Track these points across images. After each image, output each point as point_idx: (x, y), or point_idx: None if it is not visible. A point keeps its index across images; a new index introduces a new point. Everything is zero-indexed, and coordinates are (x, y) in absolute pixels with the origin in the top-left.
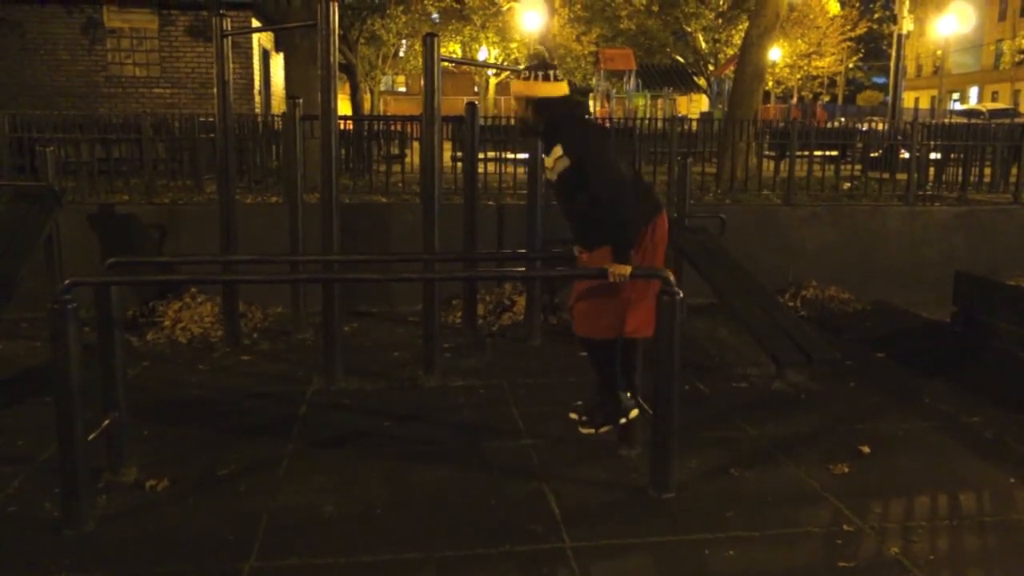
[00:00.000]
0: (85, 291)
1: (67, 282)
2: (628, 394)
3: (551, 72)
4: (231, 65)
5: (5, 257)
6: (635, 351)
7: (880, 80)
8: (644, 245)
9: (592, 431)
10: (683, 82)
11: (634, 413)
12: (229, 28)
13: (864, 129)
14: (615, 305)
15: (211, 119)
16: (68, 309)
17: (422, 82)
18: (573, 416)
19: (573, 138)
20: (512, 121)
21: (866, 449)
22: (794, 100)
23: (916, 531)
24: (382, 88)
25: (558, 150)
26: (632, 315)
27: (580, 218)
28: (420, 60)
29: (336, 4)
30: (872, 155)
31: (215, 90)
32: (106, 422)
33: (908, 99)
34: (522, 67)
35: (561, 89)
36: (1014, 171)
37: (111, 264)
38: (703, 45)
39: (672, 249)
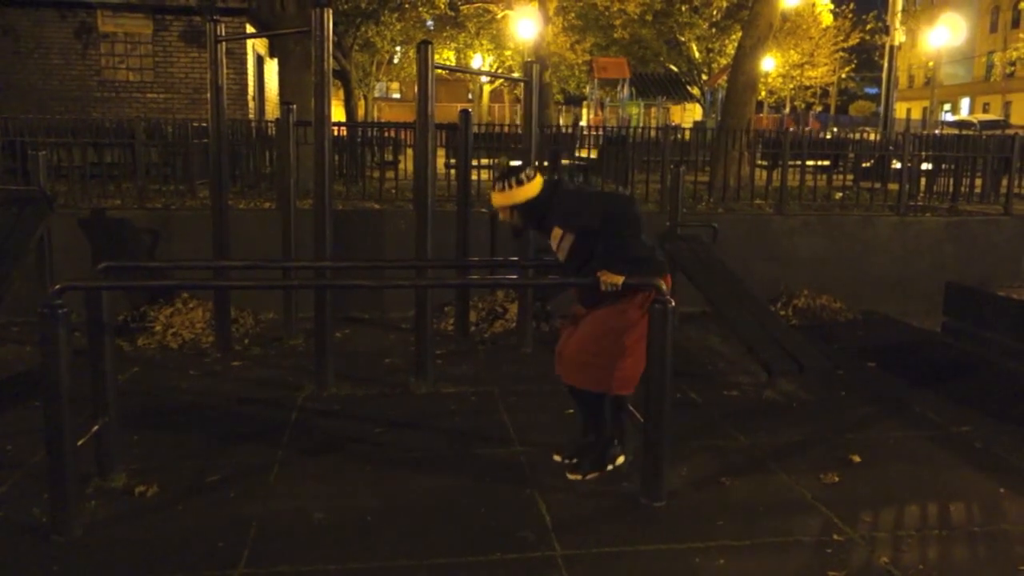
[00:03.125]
0: (76, 295)
1: (57, 286)
2: (616, 441)
3: (522, 175)
4: (225, 70)
5: None
6: (623, 401)
7: (872, 91)
8: (644, 301)
9: (579, 477)
10: (676, 91)
11: (620, 460)
12: (223, 33)
13: (855, 139)
14: (608, 355)
15: (204, 124)
16: (59, 314)
17: (416, 89)
18: (557, 458)
19: (565, 216)
20: (507, 127)
21: (856, 458)
22: (787, 110)
23: (906, 540)
24: (376, 94)
25: (557, 231)
26: (620, 370)
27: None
28: (414, 67)
29: (330, 11)
30: (864, 165)
31: (209, 95)
32: (95, 427)
33: (900, 110)
34: (516, 74)
35: (535, 187)
36: (1004, 182)
37: (102, 269)
38: (696, 54)
39: (665, 257)
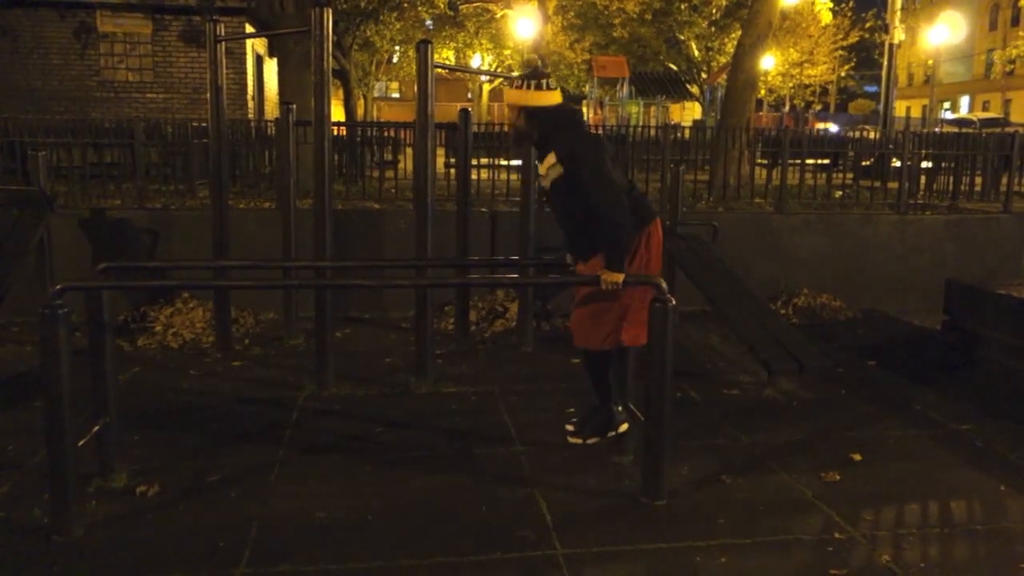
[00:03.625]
0: (76, 296)
1: (58, 287)
2: (620, 408)
3: (544, 80)
4: (224, 70)
5: None
6: (627, 359)
7: (872, 89)
8: (639, 253)
9: (580, 441)
10: (676, 90)
11: (624, 427)
12: (223, 33)
13: (855, 136)
14: (612, 314)
15: (204, 124)
16: (59, 314)
17: (416, 88)
18: (569, 427)
19: (566, 146)
20: (506, 128)
21: (857, 457)
22: (786, 108)
23: (907, 539)
24: (376, 94)
25: (551, 158)
26: (627, 324)
27: (573, 227)
28: (414, 66)
29: (330, 10)
30: (864, 164)
31: (208, 95)
32: (96, 427)
33: (899, 108)
34: (516, 74)
35: (555, 98)
36: (1004, 180)
37: (103, 269)
38: (696, 53)
39: (665, 256)
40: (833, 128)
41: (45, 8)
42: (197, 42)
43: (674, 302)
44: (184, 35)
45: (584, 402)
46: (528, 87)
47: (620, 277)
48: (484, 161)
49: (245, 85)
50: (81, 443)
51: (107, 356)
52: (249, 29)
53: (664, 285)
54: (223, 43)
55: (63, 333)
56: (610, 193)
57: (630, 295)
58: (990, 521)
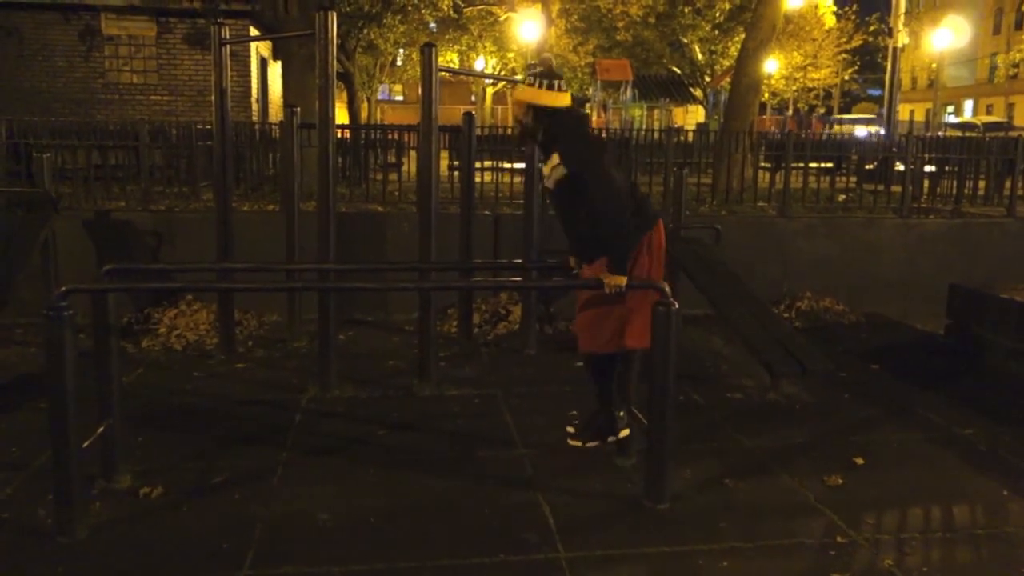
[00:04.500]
0: (81, 297)
1: (63, 289)
2: (622, 413)
3: (556, 82)
4: (229, 73)
5: (0, 263)
6: (631, 364)
7: (875, 92)
8: (641, 257)
9: (579, 444)
10: (679, 93)
11: (624, 433)
12: (227, 36)
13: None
14: (615, 316)
15: (208, 127)
16: (64, 315)
17: (419, 91)
18: (570, 430)
19: (571, 148)
20: (511, 124)
21: (860, 460)
22: (790, 112)
23: (910, 543)
24: (379, 96)
25: (555, 159)
26: (630, 326)
27: (576, 229)
28: (418, 69)
29: (335, 14)
30: (867, 167)
31: (212, 98)
32: (100, 429)
33: (903, 112)
34: (519, 77)
35: (564, 99)
36: (1008, 184)
37: (107, 271)
38: (699, 56)
39: (667, 260)
40: (861, 132)
41: (50, 10)
42: (201, 44)
43: (677, 306)
44: (188, 38)
45: (587, 405)
46: (540, 85)
47: (623, 280)
48: (487, 164)
49: (249, 88)
50: (85, 444)
51: (112, 358)
52: (253, 32)
53: (667, 289)
54: (228, 46)
55: (68, 335)
56: (612, 196)
57: (632, 298)
58: (992, 525)
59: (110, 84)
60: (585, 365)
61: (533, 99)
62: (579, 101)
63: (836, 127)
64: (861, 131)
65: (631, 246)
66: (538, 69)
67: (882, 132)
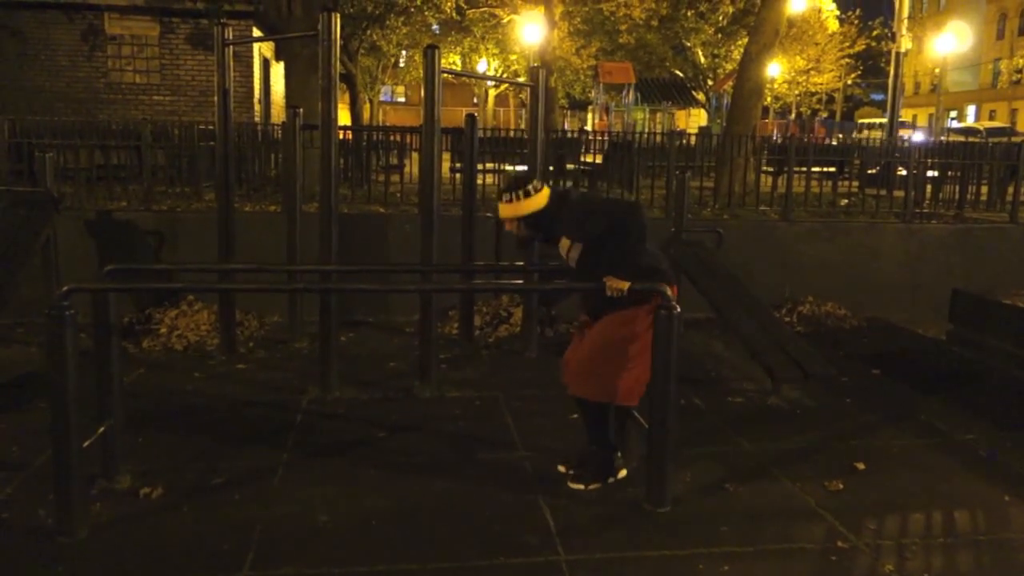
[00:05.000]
0: (81, 297)
1: (65, 288)
2: (619, 454)
3: (529, 187)
4: (232, 74)
5: (1, 262)
6: (630, 412)
7: (878, 97)
8: (651, 314)
9: (581, 487)
10: (682, 96)
11: (623, 473)
12: (230, 37)
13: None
14: (614, 366)
15: (210, 127)
16: (66, 315)
17: (422, 93)
18: (562, 469)
19: (571, 226)
20: (514, 134)
21: (861, 465)
22: (792, 116)
23: (911, 548)
24: (381, 98)
25: (565, 242)
26: (626, 378)
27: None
28: (420, 71)
29: (338, 15)
30: (869, 172)
31: (215, 98)
32: (101, 429)
33: (906, 116)
34: (521, 79)
35: (543, 197)
36: (1010, 190)
37: (109, 271)
38: (702, 60)
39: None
40: (918, 136)
41: (53, 10)
42: (204, 45)
43: (679, 309)
44: (191, 38)
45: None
46: (517, 198)
47: (626, 284)
48: (489, 166)
49: (252, 88)
50: (86, 444)
51: (112, 358)
52: (256, 32)
53: (669, 292)
54: (231, 47)
55: (70, 334)
56: (625, 218)
57: (632, 344)
58: (994, 531)
59: (113, 84)
60: (579, 408)
61: (517, 213)
62: (580, 104)
63: (864, 132)
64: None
65: (646, 274)
66: (508, 183)
67: (914, 137)
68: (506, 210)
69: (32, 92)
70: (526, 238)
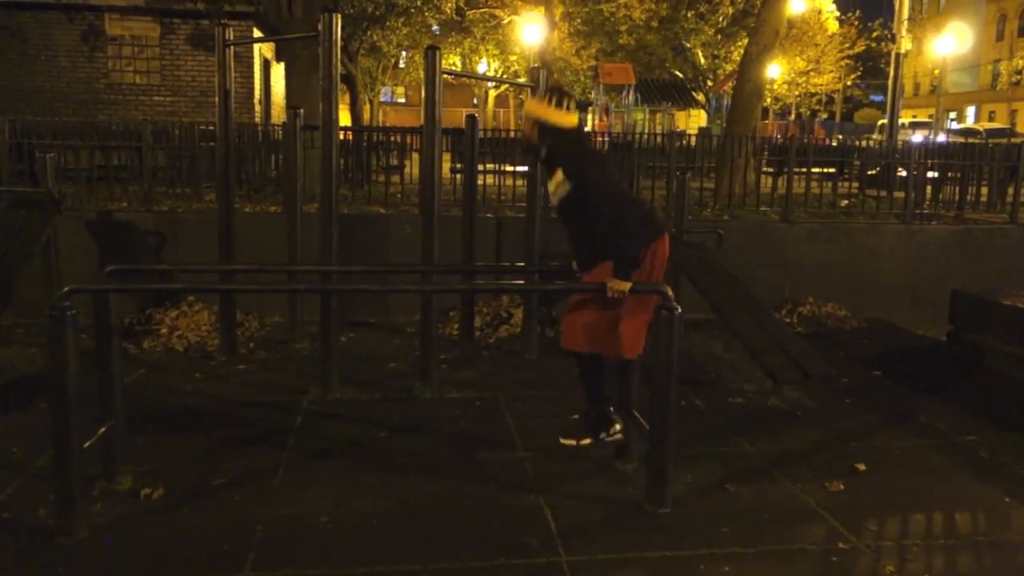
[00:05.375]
0: (82, 297)
1: (67, 289)
2: (612, 409)
3: (566, 100)
4: (233, 74)
5: (2, 262)
6: (631, 372)
7: (878, 98)
8: (644, 267)
9: (572, 443)
10: (682, 97)
11: (616, 428)
12: (231, 38)
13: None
14: (604, 320)
15: (211, 127)
16: (67, 316)
17: (422, 93)
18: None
19: (574, 164)
20: (514, 133)
21: (862, 467)
22: (792, 117)
23: (911, 549)
24: (382, 99)
25: (559, 175)
26: (625, 333)
27: (582, 240)
28: (420, 71)
29: (339, 16)
30: (869, 173)
31: (216, 99)
32: (102, 430)
33: (906, 117)
34: (521, 80)
35: (571, 120)
36: (1010, 191)
37: (110, 272)
38: (702, 61)
39: (670, 264)
40: (917, 138)
41: (54, 11)
42: (204, 46)
43: (680, 310)
44: (192, 39)
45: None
46: (550, 103)
47: (627, 286)
48: (490, 167)
49: (252, 89)
50: (87, 445)
51: (113, 358)
52: (256, 33)
53: (670, 292)
54: (231, 47)
55: (71, 335)
56: (619, 206)
57: (627, 303)
58: (994, 533)
59: (113, 84)
60: (576, 364)
61: (542, 115)
62: (581, 105)
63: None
64: (917, 137)
65: (638, 254)
66: (549, 84)
67: (942, 137)
68: (534, 105)
69: (33, 92)
70: (534, 147)
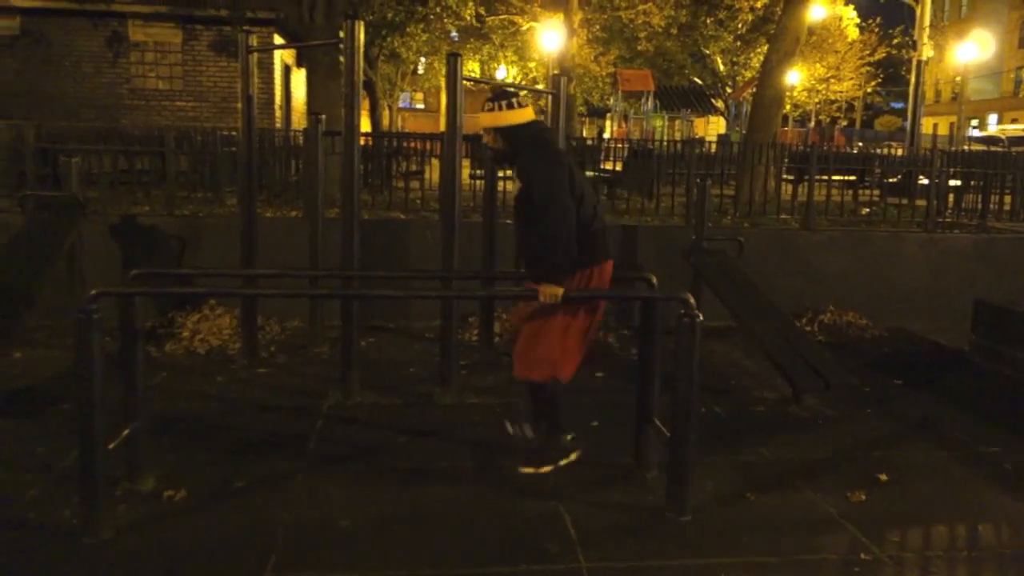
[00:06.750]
0: (105, 300)
1: (94, 292)
2: (570, 437)
3: (515, 99)
4: (255, 80)
5: (27, 265)
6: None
7: (898, 105)
8: (583, 288)
9: (531, 471)
10: (701, 104)
11: (575, 455)
12: (254, 44)
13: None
14: (549, 337)
15: (232, 132)
16: (94, 319)
17: (440, 99)
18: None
19: (523, 161)
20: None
21: (883, 477)
22: (812, 124)
23: (934, 561)
24: (400, 105)
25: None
26: (554, 354)
27: (525, 243)
28: (439, 78)
29: (362, 23)
30: (890, 181)
31: (239, 105)
32: (126, 432)
33: (927, 125)
34: (540, 86)
35: (526, 115)
36: None
37: (135, 275)
38: (721, 67)
39: (691, 270)
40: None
41: (78, 17)
42: (226, 52)
43: (701, 317)
44: (214, 45)
45: (607, 416)
46: (499, 108)
47: (559, 290)
48: (510, 173)
49: (273, 95)
50: (111, 446)
51: (137, 361)
52: (278, 39)
53: (691, 300)
54: (254, 53)
55: (97, 337)
56: (554, 212)
57: (563, 316)
58: (1018, 544)
59: (136, 90)
60: (529, 396)
61: (496, 123)
62: (598, 112)
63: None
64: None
65: (562, 261)
66: (492, 91)
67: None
68: (485, 118)
69: (57, 98)
70: (500, 154)
